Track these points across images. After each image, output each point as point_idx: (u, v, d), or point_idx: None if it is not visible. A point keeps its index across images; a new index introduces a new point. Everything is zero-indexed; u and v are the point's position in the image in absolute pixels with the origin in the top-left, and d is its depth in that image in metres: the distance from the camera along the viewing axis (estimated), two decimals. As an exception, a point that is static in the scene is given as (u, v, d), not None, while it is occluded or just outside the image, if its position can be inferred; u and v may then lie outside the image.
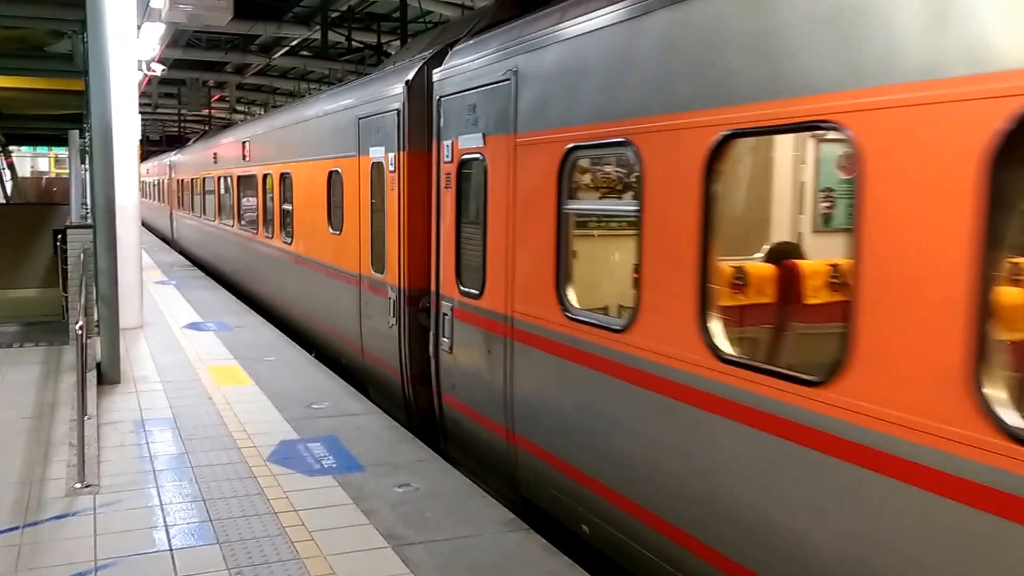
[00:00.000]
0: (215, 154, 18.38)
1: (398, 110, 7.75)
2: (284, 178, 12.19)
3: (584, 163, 5.49)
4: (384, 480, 5.87)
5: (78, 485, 5.62)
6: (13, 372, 8.91)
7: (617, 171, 5.61)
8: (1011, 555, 2.72)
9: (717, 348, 3.98)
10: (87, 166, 17.38)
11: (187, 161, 23.71)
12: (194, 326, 11.87)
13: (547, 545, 4.88)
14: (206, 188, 19.69)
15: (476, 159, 6.37)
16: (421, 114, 7.45)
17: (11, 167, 39.28)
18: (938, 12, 2.91)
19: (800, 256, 5.35)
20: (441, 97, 6.94)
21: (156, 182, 32.23)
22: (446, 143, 6.84)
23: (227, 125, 25.97)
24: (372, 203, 8.57)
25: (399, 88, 7.75)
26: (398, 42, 18.30)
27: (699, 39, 4.07)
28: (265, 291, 13.86)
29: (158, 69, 18.15)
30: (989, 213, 2.76)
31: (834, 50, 3.31)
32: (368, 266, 8.70)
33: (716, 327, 4.03)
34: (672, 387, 4.26)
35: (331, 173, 9.87)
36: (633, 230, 4.57)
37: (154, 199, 32.47)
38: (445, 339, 6.94)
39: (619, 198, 5.61)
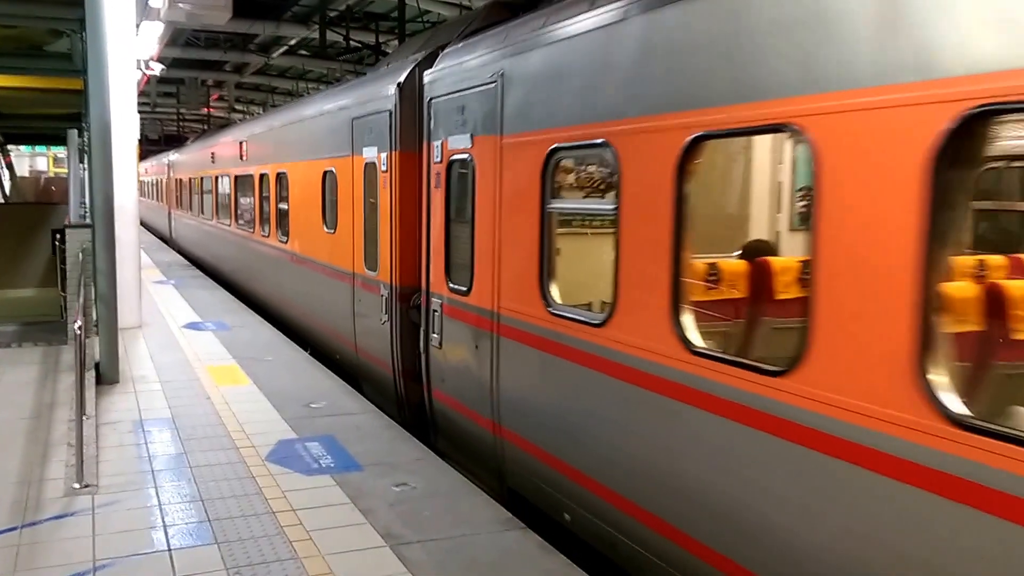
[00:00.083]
0: (213, 154, 18.42)
1: (390, 111, 7.88)
2: (280, 178, 12.29)
3: (566, 163, 5.62)
4: (382, 479, 5.88)
5: (76, 485, 5.62)
6: (11, 372, 8.91)
7: (600, 171, 5.73)
8: (951, 532, 2.89)
9: (688, 341, 4.14)
10: (86, 165, 17.37)
11: (185, 160, 23.73)
12: (193, 326, 11.87)
13: (543, 544, 4.90)
14: (204, 188, 19.73)
15: (465, 159, 6.50)
16: (412, 115, 7.58)
17: (9, 166, 39.28)
18: (889, 22, 3.07)
19: (773, 253, 5.48)
20: (431, 99, 7.08)
21: (154, 181, 32.24)
22: (436, 143, 6.99)
23: (225, 125, 25.99)
24: (365, 202, 8.69)
25: (391, 90, 7.88)
26: (396, 41, 18.30)
27: (670, 44, 4.24)
28: (262, 290, 13.93)
29: (157, 68, 18.13)
30: (933, 211, 2.93)
31: (794, 56, 3.48)
32: (361, 264, 8.82)
33: (688, 321, 4.20)
34: (646, 378, 4.43)
35: (326, 173, 9.98)
36: (612, 228, 4.72)
37: (152, 198, 32.47)
38: (435, 335, 7.08)
39: (601, 197, 5.72)
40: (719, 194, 5.99)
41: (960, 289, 4.00)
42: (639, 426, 4.52)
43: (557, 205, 5.42)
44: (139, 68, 14.86)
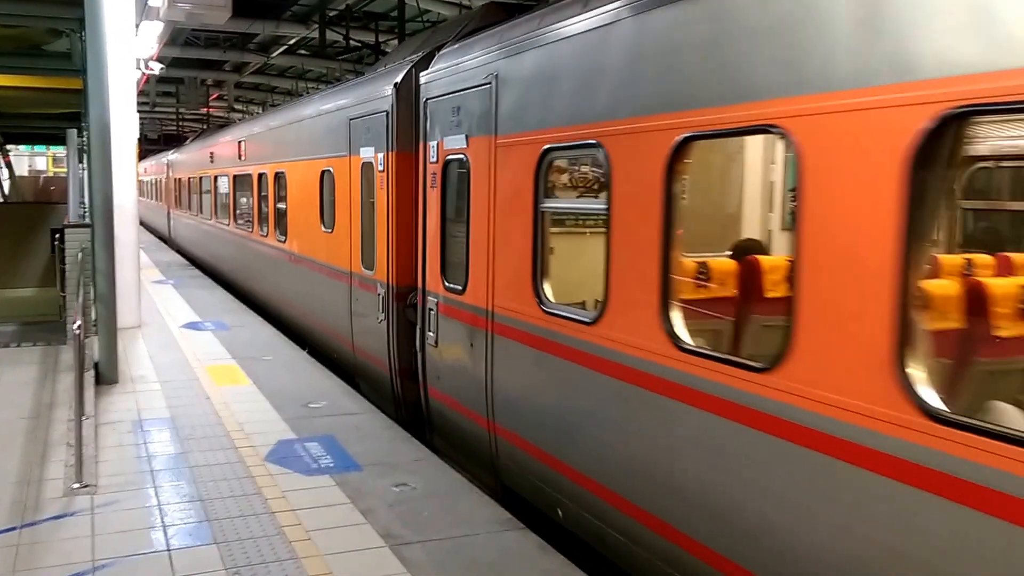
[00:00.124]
0: (211, 153, 18.44)
1: (387, 112, 7.94)
2: (278, 177, 12.34)
3: (559, 164, 5.69)
4: (381, 480, 5.88)
5: (76, 485, 5.62)
6: (10, 372, 8.90)
7: (592, 171, 5.81)
8: (928, 525, 2.96)
9: (677, 338, 4.22)
10: (85, 165, 17.36)
11: (184, 160, 23.74)
12: (192, 325, 11.87)
13: (543, 544, 4.90)
14: (203, 187, 19.74)
15: (460, 159, 6.58)
16: (409, 116, 7.64)
17: (9, 166, 39.26)
18: (868, 25, 3.16)
19: (763, 252, 5.54)
20: (427, 99, 7.17)
21: (153, 181, 32.25)
22: (432, 144, 7.07)
23: (224, 124, 25.98)
24: (362, 202, 8.74)
25: (388, 90, 7.93)
26: (396, 41, 18.29)
27: (659, 47, 4.31)
28: (260, 289, 13.96)
29: (156, 68, 18.13)
30: (911, 210, 3.00)
31: (778, 59, 3.56)
32: (359, 263, 8.87)
33: (676, 318, 4.27)
34: (637, 375, 4.50)
35: (323, 172, 10.03)
36: (603, 228, 4.79)
37: (151, 198, 32.48)
38: (431, 333, 7.15)
39: (593, 197, 5.77)
40: (713, 194, 6.04)
41: (942, 287, 4.10)
42: (629, 422, 4.59)
43: (550, 205, 5.49)
44: (138, 67, 14.86)
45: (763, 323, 4.83)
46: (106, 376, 8.44)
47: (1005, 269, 5.02)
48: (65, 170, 34.18)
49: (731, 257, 5.38)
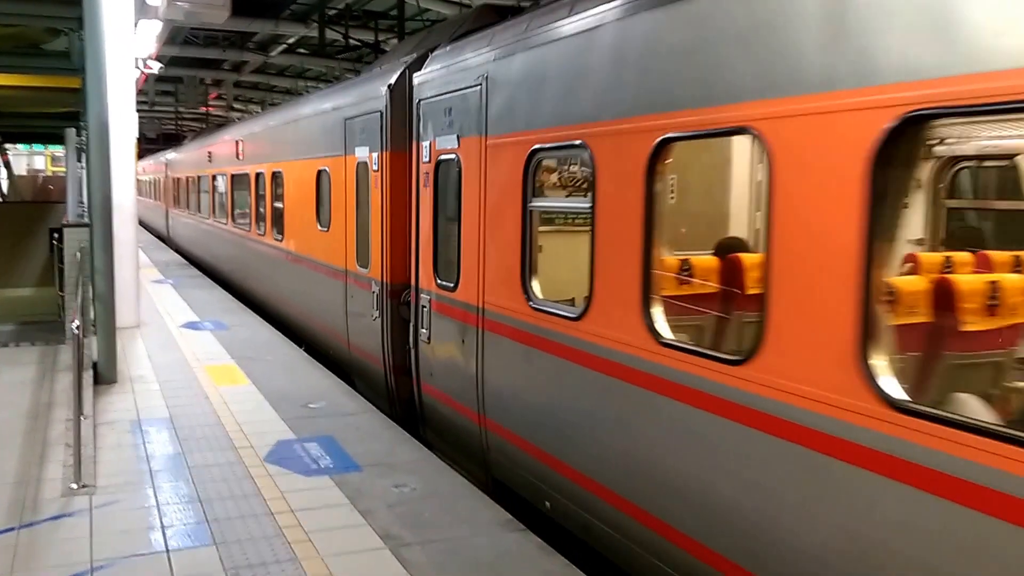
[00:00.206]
0: (209, 153, 18.47)
1: (381, 112, 8.06)
2: (276, 177, 12.42)
3: (547, 163, 5.82)
4: (381, 480, 5.86)
5: (74, 486, 5.60)
6: (9, 372, 8.88)
7: (577, 171, 5.96)
8: (891, 510, 3.10)
9: (657, 333, 4.35)
10: (83, 164, 17.33)
11: (182, 160, 23.75)
12: (191, 325, 11.85)
13: (543, 545, 4.88)
14: (201, 187, 19.75)
15: (451, 159, 6.69)
16: (403, 116, 7.76)
17: (7, 165, 39.19)
18: (833, 32, 3.30)
19: (745, 250, 5.65)
20: (420, 100, 7.30)
21: (152, 180, 32.24)
22: (425, 144, 7.20)
23: (222, 124, 25.96)
24: (357, 201, 8.84)
25: (382, 91, 8.06)
26: (396, 40, 18.27)
27: (641, 51, 4.45)
28: (257, 287, 14.04)
29: (155, 67, 18.11)
30: (872, 208, 3.14)
31: (751, 63, 3.71)
32: (354, 262, 8.99)
33: (658, 314, 4.41)
34: (619, 369, 4.64)
35: (319, 172, 10.13)
36: (589, 226, 4.92)
37: (150, 197, 32.47)
38: (424, 330, 7.28)
39: (579, 196, 5.90)
40: (701, 193, 6.15)
41: (910, 283, 4.24)
42: (612, 415, 4.72)
43: (538, 204, 5.63)
44: (137, 67, 14.83)
45: (743, 318, 4.95)
46: (105, 376, 8.42)
47: (983, 266, 5.14)
48: (64, 169, 34.13)
49: (714, 254, 5.49)
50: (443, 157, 6.84)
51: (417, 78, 7.37)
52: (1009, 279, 4.38)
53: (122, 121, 10.74)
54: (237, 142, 15.44)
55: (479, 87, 6.17)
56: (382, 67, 9.07)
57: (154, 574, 4.48)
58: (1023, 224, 5.87)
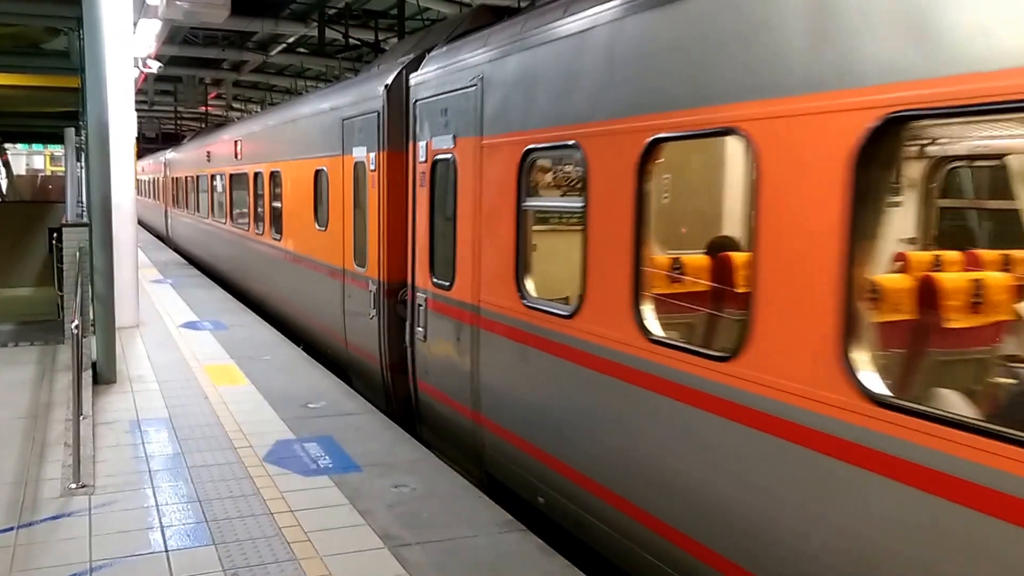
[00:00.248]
0: (208, 152, 18.48)
1: (378, 112, 8.12)
2: (274, 176, 12.46)
3: (540, 163, 5.88)
4: (381, 480, 5.86)
5: (73, 485, 5.59)
6: (8, 372, 8.87)
7: (570, 171, 6.00)
8: (869, 501, 3.19)
9: (647, 330, 4.44)
10: (83, 164, 17.31)
11: (181, 159, 23.75)
12: (190, 325, 11.84)
13: (543, 545, 4.88)
14: (199, 186, 19.76)
15: (447, 159, 6.77)
16: (399, 116, 7.82)
17: (6, 165, 39.16)
18: (817, 35, 3.38)
19: (737, 249, 5.72)
20: (416, 100, 7.39)
21: (151, 180, 32.23)
22: (421, 144, 7.28)
23: (221, 124, 25.95)
24: (355, 201, 8.91)
25: (379, 91, 8.11)
26: (396, 39, 18.26)
27: (632, 53, 4.52)
28: (256, 287, 14.08)
29: (154, 66, 18.09)
30: (854, 208, 3.21)
31: (738, 65, 3.78)
32: (351, 261, 9.04)
33: (647, 311, 4.49)
34: (611, 366, 4.72)
35: (317, 172, 10.19)
36: (581, 225, 5.00)
37: (149, 197, 32.46)
38: (420, 329, 7.35)
39: (572, 196, 5.95)
40: (695, 193, 6.20)
41: (893, 281, 4.33)
42: (604, 411, 4.80)
43: (532, 203, 5.70)
44: (136, 66, 14.82)
45: (732, 316, 5.00)
46: (104, 376, 8.41)
47: (973, 265, 5.21)
48: (63, 169, 34.08)
49: (706, 253, 5.56)
50: (439, 157, 6.92)
51: (414, 79, 7.45)
52: (992, 277, 4.46)
53: (121, 120, 10.73)
54: (236, 142, 15.47)
55: (475, 88, 6.24)
56: (379, 67, 9.12)
57: (153, 574, 4.47)
58: (1013, 223, 5.92)
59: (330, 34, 19.65)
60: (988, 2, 2.78)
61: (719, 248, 5.44)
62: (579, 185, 5.18)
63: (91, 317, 9.07)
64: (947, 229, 5.94)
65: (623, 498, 4.66)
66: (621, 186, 4.58)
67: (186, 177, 22.15)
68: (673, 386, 4.21)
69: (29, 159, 56.19)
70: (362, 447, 6.57)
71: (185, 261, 21.15)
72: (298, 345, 10.74)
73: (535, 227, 5.82)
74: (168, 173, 26.35)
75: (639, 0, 4.47)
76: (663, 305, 4.74)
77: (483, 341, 6.20)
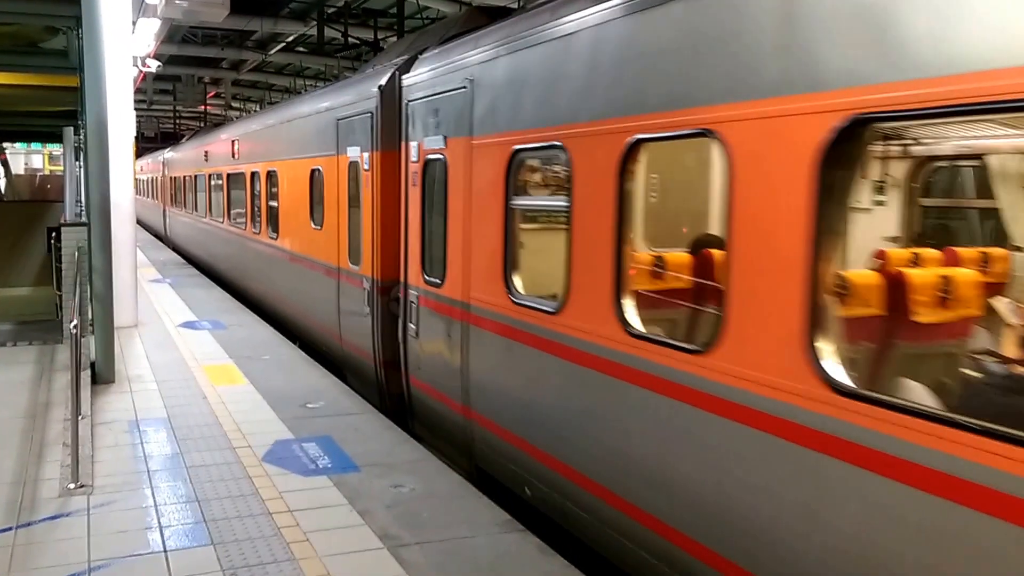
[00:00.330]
0: (206, 152, 18.51)
1: (372, 113, 8.21)
2: (270, 176, 12.54)
3: (527, 163, 6.00)
4: (379, 480, 5.85)
5: (72, 485, 5.59)
6: (6, 371, 8.86)
7: (556, 171, 6.08)
8: (833, 487, 3.33)
9: (628, 324, 4.57)
10: (82, 163, 17.30)
11: (180, 159, 23.75)
12: (189, 325, 11.83)
13: (543, 546, 4.88)
14: (197, 186, 19.79)
15: (439, 159, 6.88)
16: (393, 117, 7.92)
17: (5, 164, 39.15)
18: (784, 40, 3.53)
19: (719, 246, 5.70)
20: (409, 101, 7.51)
21: (149, 179, 32.22)
22: (413, 144, 7.40)
23: (218, 124, 25.93)
24: (349, 200, 9.00)
25: (373, 92, 8.19)
26: (395, 38, 18.24)
27: (614, 56, 4.66)
28: (253, 285, 14.15)
29: (153, 65, 18.07)
30: (819, 206, 3.35)
31: (712, 69, 3.93)
32: (346, 259, 9.14)
33: (628, 306, 4.62)
34: (594, 360, 4.86)
35: (313, 171, 10.28)
36: (566, 223, 5.12)
37: (148, 196, 32.45)
38: (412, 325, 7.49)
39: (557, 195, 6.03)
40: (680, 191, 6.29)
41: (862, 276, 4.48)
42: (588, 403, 4.93)
43: (519, 202, 5.83)
44: (135, 65, 14.80)
45: (709, 311, 5.10)
46: (102, 375, 8.40)
47: (952, 263, 5.36)
48: (61, 168, 34.06)
49: (689, 251, 5.68)
50: (431, 157, 7.05)
51: (407, 80, 7.58)
52: (960, 273, 4.61)
53: (120, 120, 10.71)
54: (233, 141, 15.52)
55: (465, 89, 6.37)
56: (374, 68, 9.23)
57: (152, 574, 4.47)
58: (994, 221, 6.00)
59: (329, 33, 19.66)
60: (939, 13, 2.93)
61: (702, 246, 5.56)
62: (564, 185, 5.31)
63: (90, 317, 9.06)
64: (929, 227, 6.13)
65: (605, 488, 4.78)
66: (603, 186, 4.71)
67: (184, 176, 22.15)
68: (652, 379, 4.36)
69: (28, 158, 56.18)
70: (361, 447, 6.57)
71: (184, 260, 21.14)
72: (294, 343, 10.78)
73: (523, 226, 5.96)
74: (166, 172, 26.34)
75: (620, 5, 4.60)
76: (644, 301, 4.90)
77: (473, 337, 6.33)
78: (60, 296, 11.31)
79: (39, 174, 51.54)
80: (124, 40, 10.91)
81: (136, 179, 18.75)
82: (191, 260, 20.71)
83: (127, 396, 7.98)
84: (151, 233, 29.98)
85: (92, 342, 8.66)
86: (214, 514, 5.23)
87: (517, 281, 5.81)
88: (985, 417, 2.84)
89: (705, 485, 4.01)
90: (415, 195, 7.40)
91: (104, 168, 8.32)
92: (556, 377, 5.25)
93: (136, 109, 12.46)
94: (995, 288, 5.18)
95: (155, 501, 5.44)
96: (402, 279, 7.75)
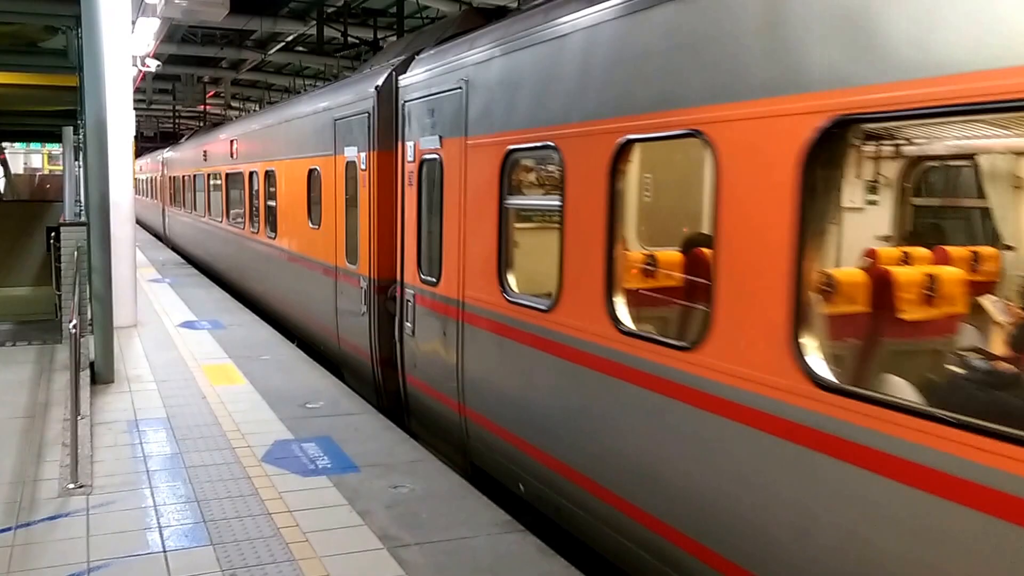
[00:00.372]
0: (205, 152, 18.53)
1: (368, 113, 8.28)
2: (269, 176, 12.58)
3: (521, 163, 6.07)
4: (379, 481, 5.85)
5: (71, 485, 5.58)
6: (5, 371, 8.85)
7: (549, 171, 6.17)
8: (817, 480, 3.40)
9: (619, 321, 4.63)
10: (81, 163, 17.30)
11: (179, 158, 23.76)
12: (188, 324, 11.83)
13: (542, 546, 4.88)
14: (196, 185, 19.80)
15: (434, 159, 6.95)
16: (389, 117, 7.99)
17: (4, 164, 39.09)
18: (769, 42, 3.60)
19: (709, 245, 5.75)
20: (405, 102, 7.58)
21: (149, 179, 32.21)
22: (409, 144, 7.46)
23: (217, 123, 25.93)
24: (347, 199, 9.07)
25: (370, 92, 8.27)
26: (395, 38, 18.23)
27: (606, 58, 4.72)
28: (252, 285, 14.19)
29: (152, 65, 18.06)
30: (803, 205, 3.41)
31: (700, 71, 4.00)
32: (343, 258, 9.21)
33: (619, 304, 4.68)
34: (586, 357, 4.92)
35: (311, 171, 10.33)
36: (559, 222, 5.18)
37: (147, 196, 32.44)
38: (408, 324, 7.54)
39: (550, 194, 6.09)
40: (675, 191, 6.34)
41: (848, 274, 4.58)
42: (581, 400, 4.99)
43: (513, 202, 5.90)
44: (135, 65, 14.79)
45: (698, 308, 5.15)
46: (102, 375, 8.40)
47: (942, 261, 5.43)
48: (61, 168, 34.03)
49: (681, 250, 5.75)
50: (426, 157, 7.11)
51: (403, 80, 7.65)
52: (946, 271, 4.67)
53: (119, 119, 10.70)
54: (231, 141, 15.56)
55: (460, 90, 6.45)
56: (371, 69, 9.28)
57: (151, 574, 4.46)
58: (985, 220, 6.05)
59: (329, 33, 19.64)
60: (920, 16, 2.99)
61: (695, 245, 5.61)
62: (557, 184, 5.35)
63: (89, 316, 9.06)
64: (920, 226, 6.19)
65: (597, 483, 4.83)
66: (595, 185, 4.77)
67: (183, 176, 22.16)
68: (642, 375, 4.42)
69: (27, 158, 56.13)
70: (361, 447, 6.56)
71: (183, 260, 21.13)
72: (292, 342, 10.80)
73: (517, 225, 6.01)
74: (166, 172, 26.33)
75: (611, 8, 4.65)
76: (635, 298, 4.98)
77: (468, 335, 6.39)
78: (59, 296, 11.30)
79: (38, 174, 51.49)
80: (123, 40, 10.90)
81: (135, 179, 18.75)
82: (190, 260, 20.71)
83: (126, 396, 7.97)
84: (150, 233, 29.97)
85: (91, 342, 8.66)
86: (213, 514, 5.22)
87: (511, 280, 5.87)
88: (968, 413, 2.89)
89: (695, 480, 4.07)
90: (411, 195, 7.46)
91: (103, 168, 8.32)
92: (549, 374, 5.32)
93: (135, 109, 12.46)
94: (984, 287, 5.24)
95: (154, 501, 5.43)
96: (398, 278, 7.81)
